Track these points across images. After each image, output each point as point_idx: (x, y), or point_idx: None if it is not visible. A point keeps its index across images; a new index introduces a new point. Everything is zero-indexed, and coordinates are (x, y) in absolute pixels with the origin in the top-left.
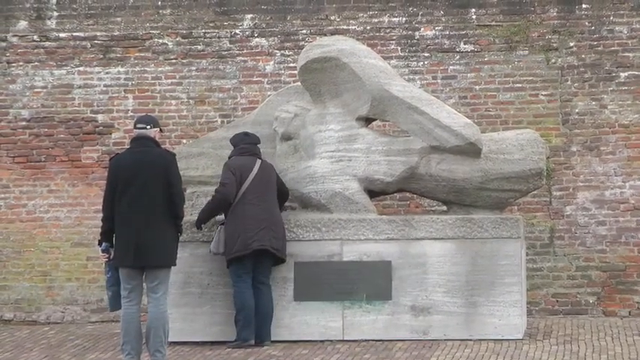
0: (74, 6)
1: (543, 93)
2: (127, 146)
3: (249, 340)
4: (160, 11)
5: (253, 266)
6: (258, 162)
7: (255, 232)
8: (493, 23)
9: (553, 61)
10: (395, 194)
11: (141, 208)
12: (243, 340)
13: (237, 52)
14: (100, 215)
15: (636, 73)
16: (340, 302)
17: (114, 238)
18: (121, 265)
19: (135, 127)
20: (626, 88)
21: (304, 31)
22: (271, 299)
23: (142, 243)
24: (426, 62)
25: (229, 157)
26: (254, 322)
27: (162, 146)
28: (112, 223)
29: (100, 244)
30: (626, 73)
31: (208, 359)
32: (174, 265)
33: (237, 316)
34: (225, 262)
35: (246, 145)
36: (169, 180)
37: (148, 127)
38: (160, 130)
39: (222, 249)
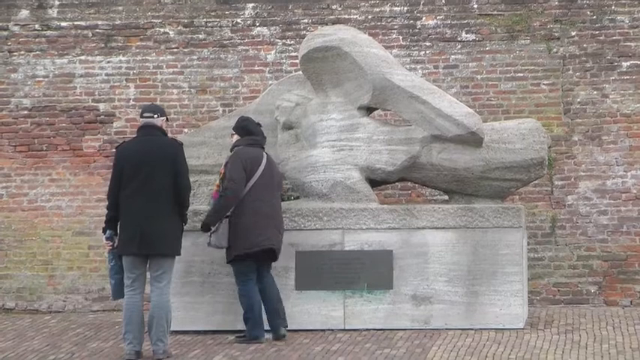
0: None
1: (545, 82)
2: (128, 135)
3: (261, 338)
4: (162, 0)
5: (256, 262)
6: (265, 154)
7: (265, 229)
8: (495, 12)
9: (555, 50)
10: (396, 183)
11: (147, 196)
12: (254, 338)
13: (238, 41)
14: (102, 204)
15: (638, 62)
16: (341, 291)
17: (118, 226)
18: (126, 253)
19: (141, 116)
20: (627, 77)
21: (306, 21)
22: (275, 286)
23: (147, 231)
24: (427, 51)
25: (236, 144)
26: (261, 318)
27: None
28: (117, 210)
29: (104, 231)
30: (627, 63)
31: (209, 348)
32: (179, 254)
33: (246, 315)
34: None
35: (258, 137)
36: (177, 169)
37: (155, 115)
38: (166, 119)
39: (225, 243)
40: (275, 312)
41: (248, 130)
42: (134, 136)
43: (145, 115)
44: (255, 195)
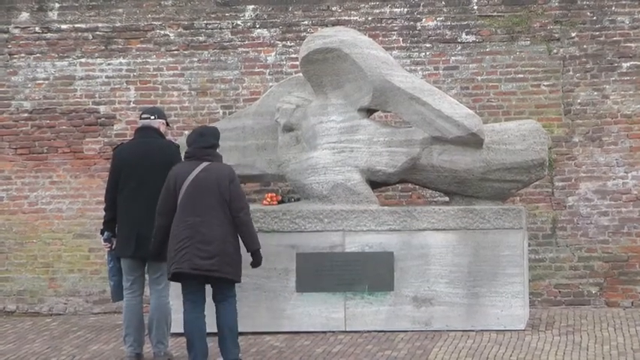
0: None
1: (545, 83)
2: (128, 138)
3: None
4: (162, 2)
5: (210, 284)
6: (201, 166)
7: (176, 253)
8: (495, 14)
9: (555, 51)
10: (397, 185)
11: (143, 198)
12: None
13: (238, 43)
14: (102, 206)
15: (638, 63)
16: (342, 293)
17: (116, 228)
18: (123, 256)
19: (140, 118)
20: (628, 78)
21: (306, 22)
22: (229, 315)
23: (143, 234)
24: (427, 53)
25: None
26: (201, 348)
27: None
28: (114, 212)
29: (102, 233)
30: (628, 64)
31: (210, 350)
32: None
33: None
34: None
35: (193, 149)
36: None
37: (153, 117)
38: (167, 123)
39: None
40: (222, 344)
41: (188, 144)
42: (131, 138)
43: (143, 116)
44: (178, 215)
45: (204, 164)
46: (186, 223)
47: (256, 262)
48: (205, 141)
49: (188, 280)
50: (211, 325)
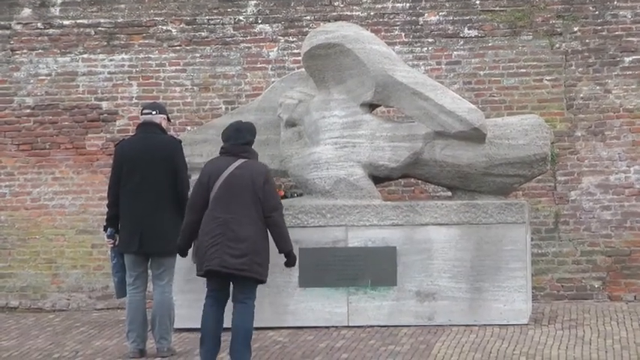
0: None
1: (547, 78)
2: (131, 133)
3: None
4: None
5: (231, 282)
6: (237, 163)
7: (206, 250)
8: (497, 8)
9: (557, 46)
10: (399, 180)
11: (145, 194)
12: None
13: (241, 38)
14: (105, 202)
15: None
16: (345, 288)
17: (119, 224)
18: (126, 252)
19: (141, 114)
20: (630, 72)
21: (308, 18)
22: (246, 318)
23: (146, 230)
24: (430, 48)
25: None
26: (212, 348)
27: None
28: (117, 208)
29: (105, 229)
30: (630, 58)
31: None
32: None
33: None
34: None
35: (230, 145)
36: (174, 167)
37: (154, 112)
38: (169, 119)
39: (194, 260)
40: (233, 346)
41: (224, 139)
42: (133, 134)
43: (144, 112)
44: (209, 212)
45: (240, 161)
46: (217, 220)
47: (290, 263)
48: (242, 137)
49: (215, 277)
50: (226, 322)
